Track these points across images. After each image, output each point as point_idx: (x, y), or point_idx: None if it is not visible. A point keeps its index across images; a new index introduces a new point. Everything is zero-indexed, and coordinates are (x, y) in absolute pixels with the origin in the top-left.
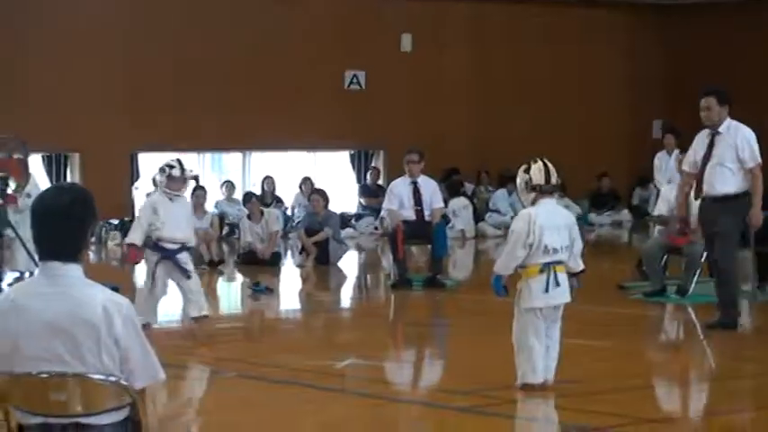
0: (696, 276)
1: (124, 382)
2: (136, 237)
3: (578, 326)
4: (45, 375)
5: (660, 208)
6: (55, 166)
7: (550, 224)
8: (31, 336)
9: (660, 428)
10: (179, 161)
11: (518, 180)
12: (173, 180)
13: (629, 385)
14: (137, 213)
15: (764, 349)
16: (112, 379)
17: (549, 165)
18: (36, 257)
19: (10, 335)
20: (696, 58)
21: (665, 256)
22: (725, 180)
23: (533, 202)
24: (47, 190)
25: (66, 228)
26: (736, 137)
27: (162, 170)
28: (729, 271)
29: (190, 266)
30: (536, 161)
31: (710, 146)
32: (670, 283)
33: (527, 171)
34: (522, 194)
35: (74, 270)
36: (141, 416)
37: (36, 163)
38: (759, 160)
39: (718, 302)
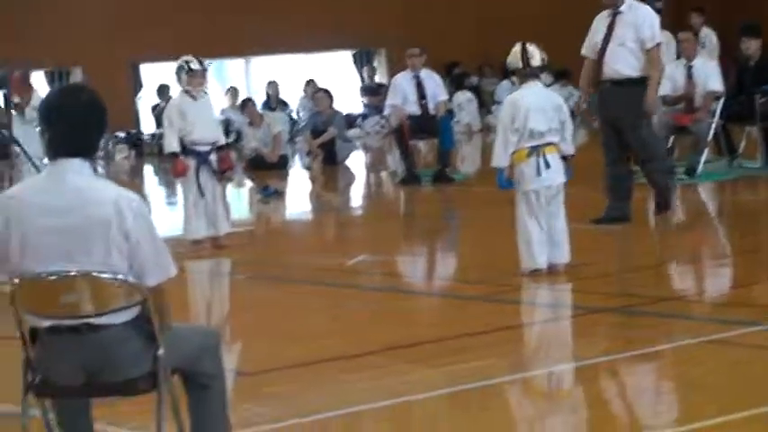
0: (704, 156)
1: (133, 280)
2: (174, 144)
3: (584, 210)
4: (54, 278)
5: (664, 87)
6: (57, 81)
7: (536, 107)
8: (38, 233)
9: (677, 305)
10: (194, 56)
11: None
12: (193, 75)
13: (640, 265)
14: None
15: None
16: (120, 277)
17: (530, 47)
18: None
19: (14, 231)
20: None
21: (672, 137)
22: (627, 61)
23: (520, 86)
24: (61, 89)
25: (84, 125)
26: (637, 16)
27: (180, 68)
28: (656, 153)
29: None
30: (517, 45)
31: (611, 26)
32: (678, 164)
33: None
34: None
35: (84, 167)
36: (153, 314)
37: (39, 79)
38: (658, 40)
39: (657, 189)
